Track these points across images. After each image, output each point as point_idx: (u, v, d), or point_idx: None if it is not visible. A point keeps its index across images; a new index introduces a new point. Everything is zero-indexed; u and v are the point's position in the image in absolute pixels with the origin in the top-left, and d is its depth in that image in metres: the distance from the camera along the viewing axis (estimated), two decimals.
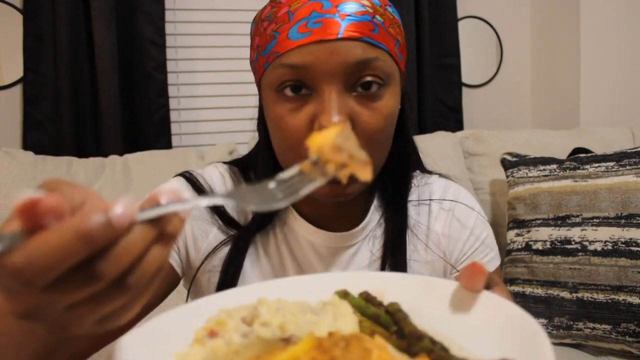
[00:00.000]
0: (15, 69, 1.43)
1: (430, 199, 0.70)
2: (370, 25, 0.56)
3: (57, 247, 0.26)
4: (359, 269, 0.66)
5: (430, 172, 0.74)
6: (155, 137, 1.53)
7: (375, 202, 0.69)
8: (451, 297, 0.41)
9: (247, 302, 0.41)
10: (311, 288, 0.44)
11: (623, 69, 1.94)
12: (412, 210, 0.69)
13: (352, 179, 0.42)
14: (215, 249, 0.66)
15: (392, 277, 0.46)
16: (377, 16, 0.57)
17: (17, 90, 1.45)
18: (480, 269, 0.40)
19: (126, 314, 0.31)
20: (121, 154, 1.36)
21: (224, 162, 0.72)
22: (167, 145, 1.55)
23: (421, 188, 0.71)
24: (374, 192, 0.69)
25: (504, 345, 0.35)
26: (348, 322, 0.39)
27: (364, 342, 0.34)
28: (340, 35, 0.54)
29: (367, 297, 0.43)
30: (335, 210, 0.66)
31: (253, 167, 0.70)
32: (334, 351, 0.33)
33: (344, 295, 0.43)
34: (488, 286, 0.42)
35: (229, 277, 0.65)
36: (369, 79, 0.56)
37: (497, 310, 0.38)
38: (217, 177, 0.70)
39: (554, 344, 1.27)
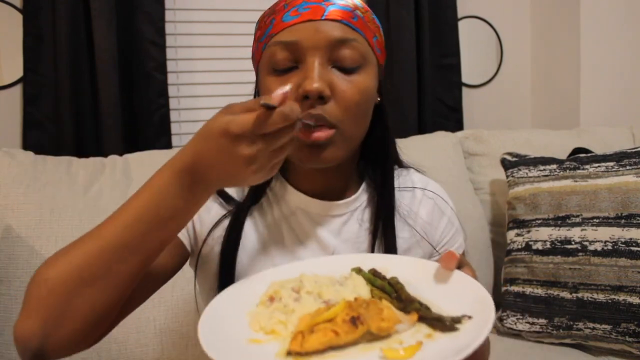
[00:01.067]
0: (15, 69, 1.43)
1: (414, 187, 0.81)
2: (351, 14, 0.67)
3: (297, 106, 0.51)
4: (348, 237, 0.75)
5: (407, 167, 0.84)
6: (155, 137, 1.53)
7: (364, 185, 0.78)
8: (434, 274, 0.59)
9: (291, 276, 0.59)
10: (335, 265, 0.62)
11: (623, 69, 1.94)
12: (396, 194, 0.79)
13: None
14: (218, 222, 0.74)
15: (393, 258, 0.65)
16: (357, 11, 0.68)
17: (17, 90, 1.45)
18: (454, 255, 0.57)
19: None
20: (121, 154, 1.36)
21: None
22: (167, 145, 1.55)
23: (403, 177, 0.82)
24: (362, 175, 0.79)
25: (465, 307, 0.51)
26: (363, 291, 0.56)
27: (378, 304, 0.52)
28: (324, 17, 0.65)
29: (374, 273, 0.59)
30: (324, 183, 0.74)
31: None
32: (359, 309, 0.50)
33: (358, 271, 0.60)
34: (459, 266, 0.58)
35: (230, 246, 0.73)
36: (347, 57, 0.65)
37: (463, 283, 0.55)
38: None
39: (554, 344, 1.28)
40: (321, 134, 0.64)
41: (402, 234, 0.77)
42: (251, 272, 0.70)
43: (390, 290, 0.56)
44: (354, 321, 0.48)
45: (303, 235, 0.74)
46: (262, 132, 0.49)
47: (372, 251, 0.75)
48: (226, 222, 0.74)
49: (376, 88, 0.71)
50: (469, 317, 0.49)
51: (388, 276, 0.58)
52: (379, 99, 0.73)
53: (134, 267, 0.56)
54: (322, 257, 0.69)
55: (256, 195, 0.76)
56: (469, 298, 0.52)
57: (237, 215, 0.74)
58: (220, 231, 0.74)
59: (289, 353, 0.48)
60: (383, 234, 0.75)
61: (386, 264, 0.61)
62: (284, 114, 0.49)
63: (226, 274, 0.72)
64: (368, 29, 0.69)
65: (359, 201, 0.77)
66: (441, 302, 0.53)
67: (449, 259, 0.57)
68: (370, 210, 0.77)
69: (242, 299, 0.57)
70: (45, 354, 0.54)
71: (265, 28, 0.68)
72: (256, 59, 0.72)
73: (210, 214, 0.75)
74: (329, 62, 0.65)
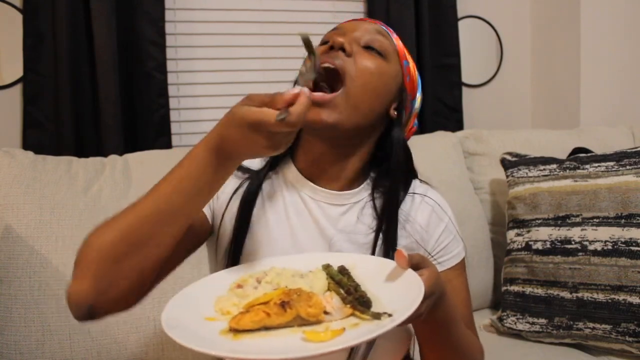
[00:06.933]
0: (15, 69, 1.43)
1: (414, 192, 0.85)
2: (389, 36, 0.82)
3: (304, 110, 0.57)
4: (343, 228, 0.81)
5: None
6: (155, 137, 1.53)
7: (365, 184, 0.84)
8: (389, 271, 0.64)
9: (265, 269, 0.67)
10: (309, 261, 0.70)
11: (623, 69, 1.94)
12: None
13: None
14: (237, 189, 0.82)
15: (360, 257, 0.71)
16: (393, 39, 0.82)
17: (17, 90, 1.45)
18: (402, 255, 0.62)
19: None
20: (121, 154, 1.36)
21: None
22: (167, 145, 1.55)
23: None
24: (366, 173, 0.85)
25: (401, 302, 0.56)
26: (320, 283, 0.63)
27: (309, 293, 0.59)
28: (367, 21, 0.81)
29: (341, 269, 0.66)
30: (328, 170, 0.81)
31: None
32: (292, 296, 0.58)
33: (326, 267, 0.67)
34: (417, 267, 0.63)
35: (244, 217, 0.80)
36: (377, 41, 0.78)
37: (409, 281, 0.61)
38: None
39: (554, 343, 1.28)
40: (326, 95, 0.73)
41: (400, 240, 0.81)
42: (257, 251, 0.78)
43: (345, 283, 0.62)
44: (283, 305, 0.56)
45: (306, 219, 0.81)
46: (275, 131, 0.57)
47: (374, 248, 0.79)
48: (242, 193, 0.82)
49: (395, 97, 0.81)
50: (389, 315, 0.55)
51: (354, 273, 0.65)
52: (395, 113, 0.81)
53: (175, 231, 0.64)
54: (302, 254, 0.75)
55: (270, 166, 0.85)
56: (407, 294, 0.58)
57: (250, 188, 0.82)
58: (236, 208, 0.81)
59: (230, 329, 0.56)
60: (385, 235, 0.80)
61: (354, 262, 0.68)
62: (291, 123, 0.57)
63: (235, 251, 0.79)
64: (403, 52, 0.82)
65: (359, 197, 0.83)
66: (384, 298, 0.61)
67: (399, 258, 0.63)
68: (370, 209, 0.82)
69: (218, 284, 0.65)
70: (95, 313, 0.62)
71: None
72: None
73: (225, 190, 0.82)
74: (363, 44, 0.77)
